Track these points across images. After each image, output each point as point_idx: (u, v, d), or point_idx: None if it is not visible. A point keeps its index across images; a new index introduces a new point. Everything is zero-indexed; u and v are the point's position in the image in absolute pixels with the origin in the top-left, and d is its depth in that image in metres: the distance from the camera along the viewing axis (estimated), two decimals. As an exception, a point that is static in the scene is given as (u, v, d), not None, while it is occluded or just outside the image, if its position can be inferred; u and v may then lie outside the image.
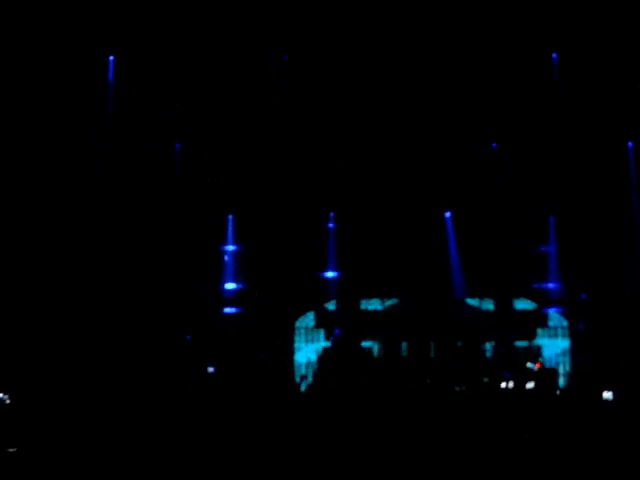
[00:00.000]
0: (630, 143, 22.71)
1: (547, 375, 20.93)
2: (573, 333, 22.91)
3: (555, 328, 23.03)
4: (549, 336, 23.00)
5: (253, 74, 22.20)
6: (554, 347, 22.87)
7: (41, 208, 20.72)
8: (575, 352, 22.76)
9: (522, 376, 20.34)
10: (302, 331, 23.27)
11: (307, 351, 23.08)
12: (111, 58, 21.82)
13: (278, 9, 21.51)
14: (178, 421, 13.39)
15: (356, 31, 21.69)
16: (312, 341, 23.16)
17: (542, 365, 21.53)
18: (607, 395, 18.99)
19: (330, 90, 22.53)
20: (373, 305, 23.22)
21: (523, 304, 23.13)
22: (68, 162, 21.12)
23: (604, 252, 22.15)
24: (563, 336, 23.04)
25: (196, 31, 21.39)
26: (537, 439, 11.88)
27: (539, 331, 23.04)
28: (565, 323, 23.08)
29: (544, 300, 23.18)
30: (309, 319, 23.36)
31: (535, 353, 22.40)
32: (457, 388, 19.76)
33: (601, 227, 22.11)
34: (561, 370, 22.65)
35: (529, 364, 21.48)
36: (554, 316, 23.18)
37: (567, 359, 22.85)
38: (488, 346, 22.60)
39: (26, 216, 20.54)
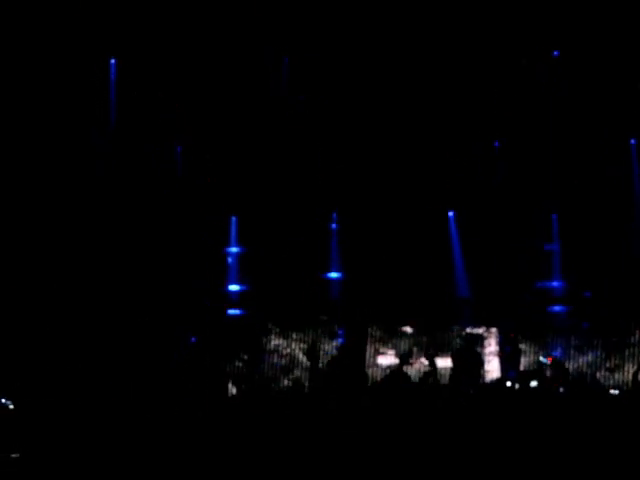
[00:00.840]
0: (633, 140, 22.69)
1: (558, 370, 20.74)
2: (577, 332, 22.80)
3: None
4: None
5: (254, 74, 22.21)
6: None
7: (41, 209, 20.72)
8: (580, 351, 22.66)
9: (528, 374, 20.22)
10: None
11: None
12: (112, 61, 21.85)
13: (278, 10, 21.53)
14: (182, 425, 13.35)
15: (356, 29, 21.69)
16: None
17: (554, 359, 21.36)
18: (613, 391, 18.99)
19: (331, 90, 22.53)
20: None
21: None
22: (68, 164, 21.12)
23: (608, 249, 22.09)
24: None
25: (196, 32, 21.40)
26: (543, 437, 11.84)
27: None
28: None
29: (548, 299, 23.08)
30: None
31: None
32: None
33: (605, 224, 22.06)
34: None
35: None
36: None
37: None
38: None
39: (26, 217, 20.54)
